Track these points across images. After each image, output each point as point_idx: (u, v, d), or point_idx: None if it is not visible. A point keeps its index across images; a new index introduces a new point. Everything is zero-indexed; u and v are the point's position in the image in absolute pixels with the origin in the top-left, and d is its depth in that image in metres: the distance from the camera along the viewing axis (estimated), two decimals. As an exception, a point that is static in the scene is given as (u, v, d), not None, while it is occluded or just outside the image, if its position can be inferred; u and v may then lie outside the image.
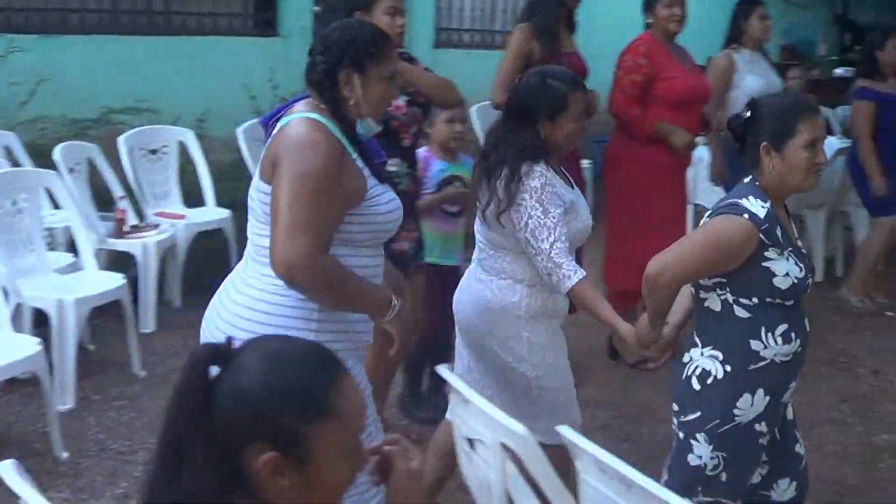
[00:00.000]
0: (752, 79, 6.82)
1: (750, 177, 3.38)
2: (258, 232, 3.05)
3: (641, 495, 2.27)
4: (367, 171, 3.08)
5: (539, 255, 3.58)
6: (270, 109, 8.25)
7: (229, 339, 1.83)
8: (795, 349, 3.30)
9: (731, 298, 3.29)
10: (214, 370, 1.79)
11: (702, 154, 7.55)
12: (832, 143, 8.89)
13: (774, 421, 3.39)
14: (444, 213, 5.22)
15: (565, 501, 2.66)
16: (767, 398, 3.28)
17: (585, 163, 9.70)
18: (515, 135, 3.74)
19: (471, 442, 2.92)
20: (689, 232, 2.97)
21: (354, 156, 3.07)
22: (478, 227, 3.87)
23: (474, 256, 3.93)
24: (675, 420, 3.44)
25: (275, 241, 2.85)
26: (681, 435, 3.39)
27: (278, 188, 2.88)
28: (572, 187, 3.88)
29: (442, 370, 3.22)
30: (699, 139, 6.88)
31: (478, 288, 3.84)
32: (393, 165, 4.46)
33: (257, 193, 3.05)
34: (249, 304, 3.03)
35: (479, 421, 2.83)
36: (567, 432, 2.62)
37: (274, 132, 3.05)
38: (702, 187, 8.02)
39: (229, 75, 9.40)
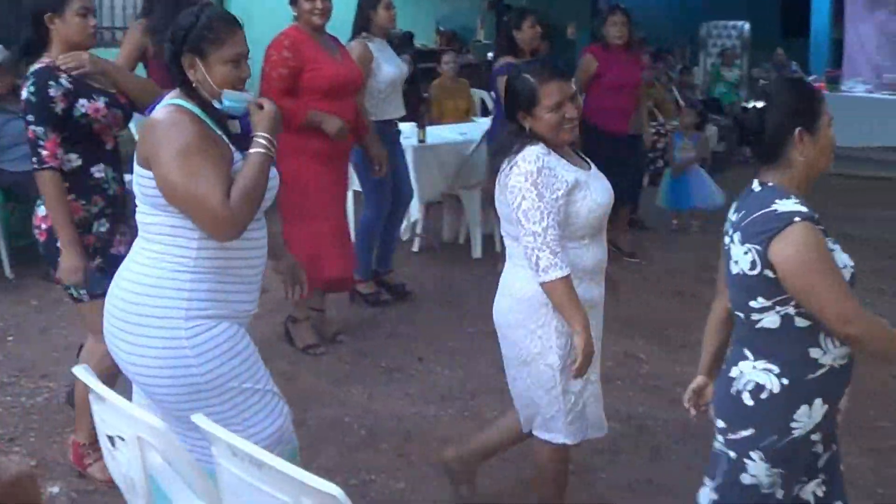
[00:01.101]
0: (387, 67, 7.03)
1: (756, 181, 3.21)
2: (143, 211, 3.32)
3: (270, 473, 2.33)
4: (232, 146, 3.30)
5: (528, 236, 3.58)
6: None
7: None
8: (850, 350, 3.11)
9: (792, 311, 3.05)
10: None
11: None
12: (483, 123, 9.23)
13: (830, 433, 3.22)
14: None
15: (207, 489, 2.69)
16: (825, 407, 3.10)
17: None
18: (508, 128, 3.85)
19: (111, 439, 2.88)
20: (813, 273, 2.66)
21: (219, 132, 3.29)
22: (501, 220, 3.89)
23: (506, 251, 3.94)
24: (720, 437, 3.27)
25: (203, 219, 3.13)
26: (731, 454, 3.20)
27: (167, 174, 3.11)
28: (589, 167, 3.91)
29: (80, 371, 3.13)
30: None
31: (506, 280, 3.89)
32: (98, 172, 4.38)
33: (138, 178, 3.26)
34: (133, 277, 3.31)
35: (117, 417, 2.81)
36: (201, 420, 2.64)
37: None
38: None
39: None
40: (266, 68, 6.06)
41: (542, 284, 3.60)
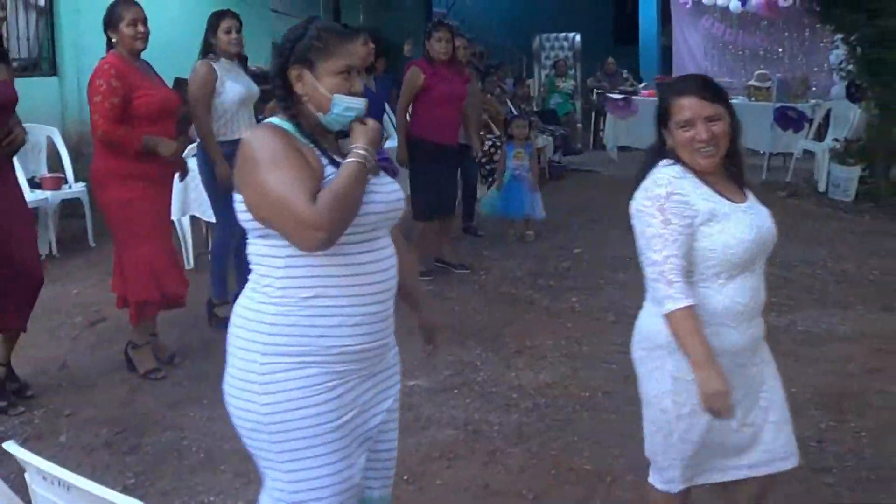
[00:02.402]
0: (233, 85, 7.07)
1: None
2: (249, 240, 3.12)
3: (80, 494, 2.37)
4: (325, 160, 3.04)
5: (650, 266, 3.36)
6: None
7: None
8: None
9: None
10: None
11: (191, 165, 7.68)
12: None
13: None
14: None
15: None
16: None
17: (80, 185, 9.64)
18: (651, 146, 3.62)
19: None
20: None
21: (311, 145, 3.04)
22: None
23: None
24: None
25: (286, 225, 2.87)
26: None
27: (252, 186, 2.93)
28: (742, 200, 3.52)
29: None
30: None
31: (640, 313, 3.64)
32: None
33: (237, 204, 3.07)
34: (238, 302, 3.15)
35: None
36: (12, 448, 2.66)
37: None
38: (193, 197, 8.22)
39: None
40: (96, 98, 5.99)
41: (664, 318, 3.35)
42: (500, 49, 21.54)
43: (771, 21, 16.63)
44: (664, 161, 3.49)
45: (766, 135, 13.99)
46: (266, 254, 3.03)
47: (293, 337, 2.99)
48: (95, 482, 2.39)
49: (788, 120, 13.84)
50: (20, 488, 2.76)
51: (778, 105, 14.18)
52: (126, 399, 5.99)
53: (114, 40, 6.16)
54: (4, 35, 5.89)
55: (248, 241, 3.11)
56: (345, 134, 3.12)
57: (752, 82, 15.48)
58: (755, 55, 17.07)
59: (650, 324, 3.50)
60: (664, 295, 3.30)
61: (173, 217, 7.95)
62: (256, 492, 4.84)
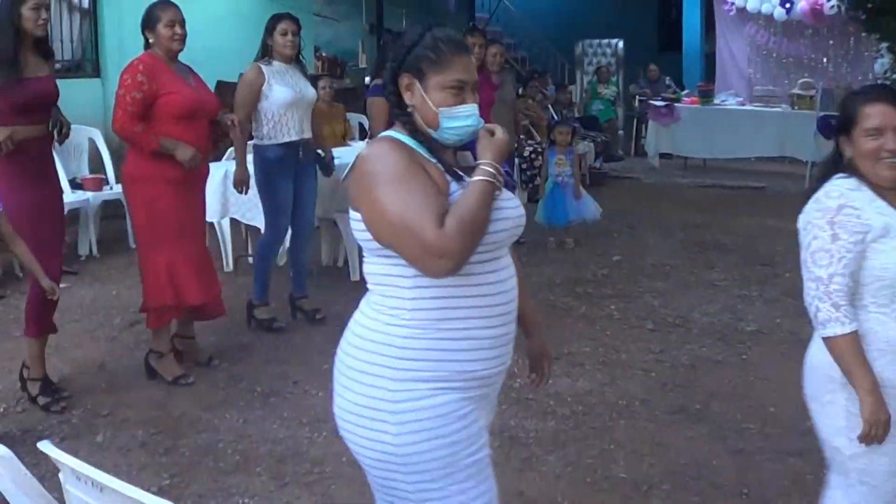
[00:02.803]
0: (280, 88, 7.09)
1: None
2: (365, 260, 2.96)
3: (113, 495, 2.37)
4: (448, 176, 2.89)
5: (813, 281, 3.19)
6: None
7: None
8: None
9: None
10: None
11: (229, 168, 7.73)
12: (359, 147, 9.33)
13: None
14: None
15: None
16: None
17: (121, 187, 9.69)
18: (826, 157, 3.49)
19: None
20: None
21: (433, 160, 2.89)
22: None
23: None
24: None
25: (412, 250, 2.70)
26: None
27: (374, 205, 2.76)
28: None
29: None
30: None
31: (809, 346, 3.45)
32: None
33: (353, 223, 2.92)
34: (353, 328, 2.96)
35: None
36: (47, 447, 2.67)
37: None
38: (233, 200, 8.24)
39: None
40: (120, 92, 6.04)
41: (823, 340, 3.21)
42: (543, 54, 21.53)
43: (815, 29, 16.49)
44: (839, 174, 3.34)
45: (810, 143, 13.93)
46: (391, 273, 2.85)
47: (426, 361, 2.82)
48: (131, 483, 2.39)
49: (832, 129, 13.72)
50: (55, 488, 2.77)
51: (821, 114, 14.08)
52: (162, 401, 6.02)
53: (151, 41, 6.20)
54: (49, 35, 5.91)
55: (364, 258, 2.96)
56: (464, 147, 3.01)
57: (796, 91, 15.39)
58: (799, 63, 16.94)
59: (818, 354, 3.33)
60: (829, 318, 3.15)
61: (212, 219, 7.98)
62: (291, 495, 4.89)
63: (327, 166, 7.80)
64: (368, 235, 2.84)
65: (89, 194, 9.54)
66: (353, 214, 2.89)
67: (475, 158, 2.92)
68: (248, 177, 7.10)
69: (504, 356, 2.97)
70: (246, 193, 7.22)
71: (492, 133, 2.90)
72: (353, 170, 2.91)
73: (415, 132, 2.92)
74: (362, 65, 17.42)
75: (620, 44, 19.90)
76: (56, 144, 6.02)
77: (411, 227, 2.67)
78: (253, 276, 7.52)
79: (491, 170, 2.80)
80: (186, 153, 6.06)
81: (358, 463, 2.98)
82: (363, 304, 2.97)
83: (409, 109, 2.94)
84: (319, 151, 7.76)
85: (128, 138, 6.09)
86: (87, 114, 10.89)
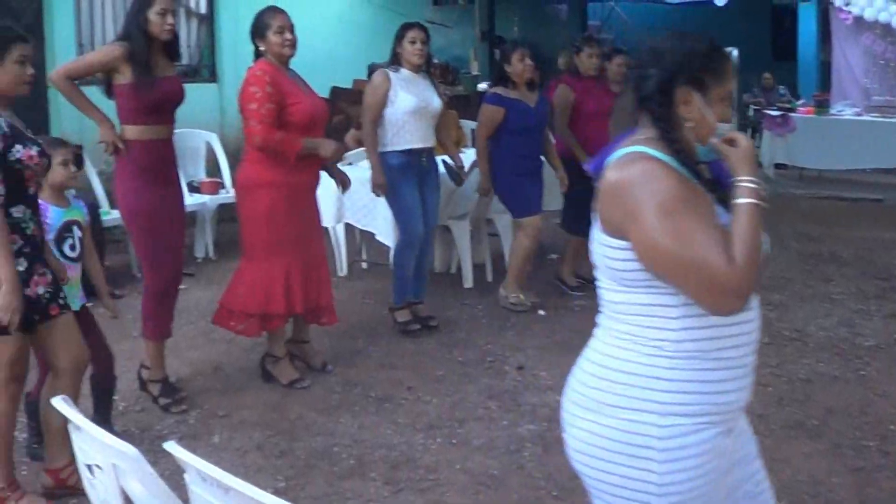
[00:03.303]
0: (405, 96, 7.12)
1: None
2: (608, 287, 2.78)
3: (239, 497, 2.38)
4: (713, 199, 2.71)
5: None
6: None
7: None
8: None
9: None
10: None
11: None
12: (471, 154, 9.32)
13: None
14: (63, 258, 5.10)
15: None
16: None
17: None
18: None
19: (90, 468, 2.94)
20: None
21: (697, 182, 2.69)
22: None
23: None
24: None
25: (703, 288, 2.54)
26: None
27: (651, 239, 2.57)
28: None
29: (58, 402, 3.15)
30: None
31: None
32: (17, 212, 4.43)
33: (604, 248, 2.73)
34: (599, 359, 2.78)
35: (93, 446, 2.86)
36: (173, 448, 2.68)
37: (601, 178, 2.73)
38: (348, 205, 8.30)
39: None
40: (251, 106, 6.05)
41: None
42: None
43: (935, 39, 16.11)
44: None
45: (927, 155, 13.62)
46: (653, 303, 2.68)
47: (692, 394, 2.67)
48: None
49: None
50: (173, 488, 2.79)
51: (941, 125, 13.78)
52: (278, 403, 6.06)
53: (262, 49, 6.23)
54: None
55: (609, 287, 2.77)
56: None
57: (914, 101, 15.06)
58: (917, 73, 16.57)
59: None
60: None
61: (327, 224, 8.02)
62: (405, 501, 4.89)
63: (457, 175, 7.82)
64: (628, 265, 2.67)
65: (206, 197, 9.68)
66: (609, 241, 2.70)
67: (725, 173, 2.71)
68: (385, 180, 7.12)
69: (751, 385, 2.83)
70: (383, 196, 7.27)
71: (732, 142, 2.72)
72: (611, 193, 2.69)
73: (677, 150, 2.70)
74: (474, 72, 17.40)
75: (735, 52, 19.64)
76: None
77: (699, 263, 2.52)
78: (367, 281, 7.55)
79: (754, 186, 2.63)
80: (330, 147, 6.17)
81: (587, 492, 2.85)
82: (606, 334, 2.80)
83: (687, 125, 2.72)
84: (446, 159, 7.79)
85: (271, 148, 6.08)
86: (204, 118, 11.07)
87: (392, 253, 7.61)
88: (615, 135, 8.97)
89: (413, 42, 7.19)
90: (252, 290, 6.26)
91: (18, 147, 4.38)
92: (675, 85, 2.70)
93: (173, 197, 5.97)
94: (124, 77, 5.67)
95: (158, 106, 5.73)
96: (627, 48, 10.79)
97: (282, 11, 6.27)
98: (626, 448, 2.69)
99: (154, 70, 5.72)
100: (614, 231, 2.67)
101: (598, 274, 2.81)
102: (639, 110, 2.80)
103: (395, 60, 7.25)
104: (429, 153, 7.40)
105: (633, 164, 2.66)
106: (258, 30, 6.23)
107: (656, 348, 2.68)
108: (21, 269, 4.42)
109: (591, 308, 8.26)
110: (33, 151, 4.45)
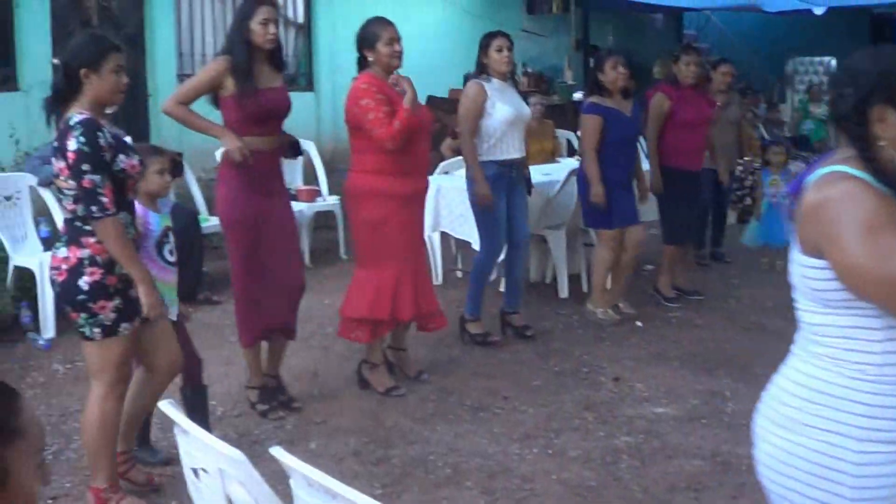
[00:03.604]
0: (502, 106, 7.13)
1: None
2: (806, 308, 2.69)
3: (344, 503, 2.40)
4: None
5: None
6: (13, 162, 8.10)
7: None
8: None
9: None
10: None
11: (440, 183, 7.80)
12: (567, 164, 9.31)
13: None
14: (164, 263, 5.18)
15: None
16: None
17: (334, 198, 9.92)
18: None
19: (195, 471, 2.98)
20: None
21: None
22: None
23: None
24: None
25: None
26: None
27: (853, 259, 2.50)
28: None
29: (166, 406, 3.21)
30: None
31: None
32: (121, 219, 4.51)
33: (803, 269, 2.66)
34: (796, 377, 2.72)
35: (200, 450, 2.90)
36: (279, 453, 2.71)
37: (800, 198, 2.67)
38: (444, 213, 8.32)
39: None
40: (370, 116, 6.06)
41: None
42: (752, 72, 21.13)
43: None
44: None
45: None
46: (857, 326, 2.60)
47: (893, 421, 2.57)
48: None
49: None
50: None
51: None
52: (374, 411, 6.09)
53: (370, 59, 6.24)
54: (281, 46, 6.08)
55: (808, 307, 2.69)
56: None
57: None
58: None
59: None
60: None
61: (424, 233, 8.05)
62: (502, 510, 4.90)
63: (527, 184, 7.81)
64: (829, 285, 2.59)
65: (304, 205, 9.76)
66: (809, 261, 2.63)
67: None
68: (489, 191, 7.09)
69: None
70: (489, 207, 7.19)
71: None
72: (811, 213, 2.62)
73: (876, 168, 2.59)
74: (569, 81, 17.36)
75: (833, 62, 19.39)
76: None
77: None
78: (462, 290, 7.56)
79: None
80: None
81: None
82: (804, 353, 2.73)
83: (880, 143, 2.62)
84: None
85: (403, 136, 6.06)
86: (301, 126, 11.12)
87: (473, 264, 7.58)
88: (717, 144, 8.93)
89: (500, 50, 7.20)
90: (363, 297, 6.30)
91: (122, 157, 4.49)
92: (871, 104, 2.62)
93: (278, 207, 6.00)
94: (228, 89, 5.74)
95: (262, 116, 5.78)
96: (721, 57, 10.73)
97: (390, 23, 6.29)
98: (818, 469, 2.64)
99: (257, 81, 5.77)
100: (814, 251, 2.61)
101: (796, 295, 2.73)
102: (838, 130, 2.73)
103: (482, 70, 7.26)
104: (519, 163, 7.40)
105: (833, 184, 2.60)
106: (367, 40, 6.24)
107: (858, 371, 2.60)
108: (124, 271, 4.53)
109: (687, 320, 8.27)
110: (134, 160, 4.57)
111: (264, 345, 6.20)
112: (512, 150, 7.25)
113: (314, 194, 10.11)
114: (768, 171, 10.26)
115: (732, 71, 9.85)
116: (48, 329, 7.44)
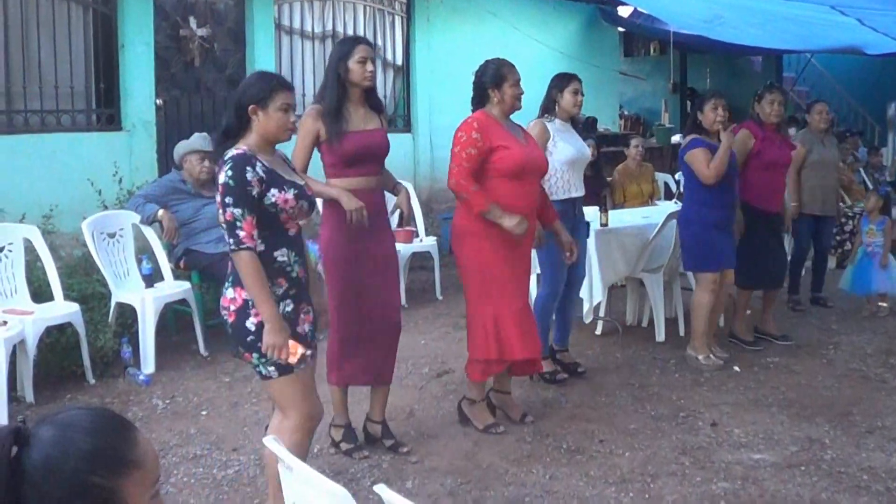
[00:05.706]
0: (565, 146, 7.21)
1: None
2: None
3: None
4: None
5: None
6: (116, 200, 8.27)
7: (23, 419, 1.95)
8: None
9: None
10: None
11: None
12: (666, 207, 9.27)
13: None
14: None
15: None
16: None
17: (431, 239, 9.99)
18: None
19: (298, 508, 3.03)
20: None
21: None
22: None
23: None
24: None
25: None
26: None
27: None
28: None
29: (269, 441, 3.25)
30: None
31: None
32: (281, 255, 4.55)
33: None
34: None
35: (304, 486, 2.95)
36: (383, 491, 2.75)
37: None
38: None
39: (75, 171, 9.41)
40: (455, 149, 6.15)
41: None
42: (852, 115, 20.89)
43: None
44: None
45: None
46: None
47: None
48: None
49: None
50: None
51: None
52: (470, 451, 6.10)
53: (495, 99, 6.31)
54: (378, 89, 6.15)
55: None
56: None
57: None
58: None
59: None
60: None
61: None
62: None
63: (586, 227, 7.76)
64: None
65: (401, 246, 9.82)
66: None
67: None
68: (573, 240, 7.03)
69: None
70: (573, 258, 7.07)
71: None
72: None
73: None
74: (667, 124, 17.35)
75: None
76: None
77: None
78: (556, 331, 7.57)
79: None
80: (513, 221, 6.11)
81: None
82: None
83: None
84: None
85: (461, 194, 6.16)
86: (399, 167, 11.22)
87: (535, 300, 7.55)
88: (816, 186, 8.80)
89: (576, 93, 7.28)
90: (472, 335, 6.37)
91: (273, 191, 4.48)
92: None
93: (380, 246, 6.05)
94: (323, 135, 5.83)
95: (356, 158, 5.83)
96: (822, 98, 10.66)
97: (514, 65, 6.39)
98: None
99: (351, 122, 5.84)
100: None
101: None
102: None
103: (549, 109, 7.32)
104: (580, 203, 7.42)
105: None
106: (494, 80, 6.32)
107: None
108: (289, 309, 4.58)
109: (785, 366, 8.20)
110: (289, 195, 4.54)
111: (364, 390, 6.24)
112: (573, 188, 7.31)
113: (411, 235, 10.19)
114: (867, 219, 10.12)
115: (827, 110, 9.77)
116: (148, 364, 7.62)
